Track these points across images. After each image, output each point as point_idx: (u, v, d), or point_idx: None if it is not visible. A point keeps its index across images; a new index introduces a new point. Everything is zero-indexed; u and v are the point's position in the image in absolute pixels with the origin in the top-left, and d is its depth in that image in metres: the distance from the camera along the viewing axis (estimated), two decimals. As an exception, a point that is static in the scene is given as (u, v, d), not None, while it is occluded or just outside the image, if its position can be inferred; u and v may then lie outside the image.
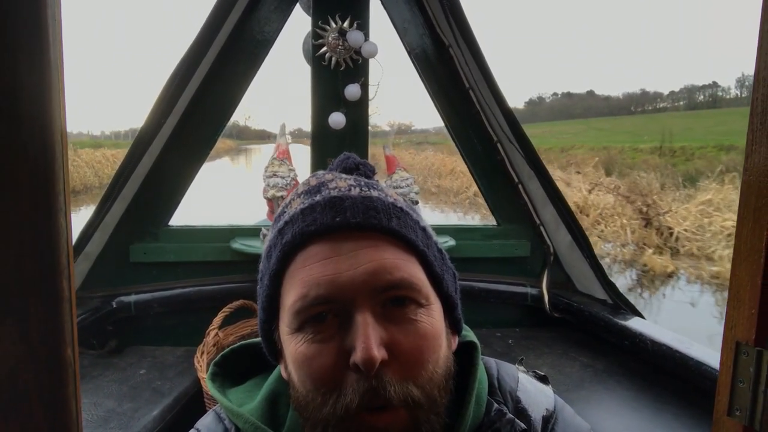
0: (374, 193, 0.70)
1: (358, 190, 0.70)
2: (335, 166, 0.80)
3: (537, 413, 0.79)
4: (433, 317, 0.67)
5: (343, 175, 0.74)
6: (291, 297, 0.66)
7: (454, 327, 0.75)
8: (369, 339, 0.60)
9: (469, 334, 0.81)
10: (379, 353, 0.60)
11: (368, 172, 0.79)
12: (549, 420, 0.80)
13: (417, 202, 2.64)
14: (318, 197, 0.69)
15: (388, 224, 0.67)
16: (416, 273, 0.67)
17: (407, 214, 0.71)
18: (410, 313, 0.65)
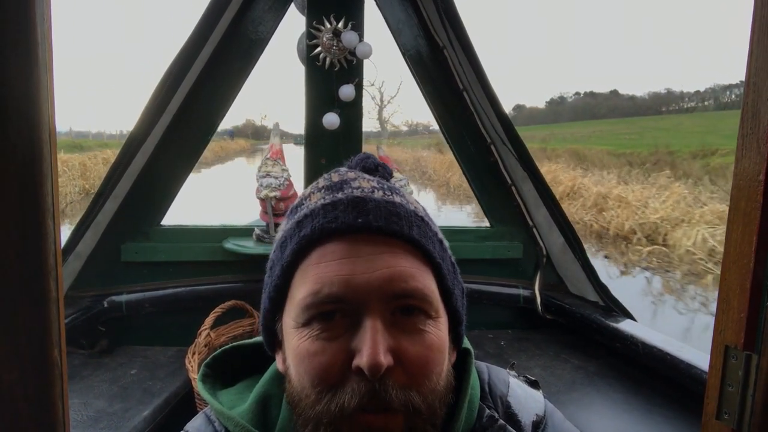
0: (397, 199, 0.69)
1: (381, 193, 0.69)
2: (354, 165, 0.79)
3: (527, 418, 0.79)
4: (440, 330, 0.67)
5: (366, 176, 0.73)
6: (302, 291, 0.65)
7: (455, 341, 0.75)
8: (377, 344, 0.60)
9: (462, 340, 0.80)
10: (385, 359, 0.60)
11: (387, 175, 0.78)
12: (539, 425, 0.80)
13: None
14: (341, 194, 0.68)
15: (409, 232, 0.66)
16: (430, 284, 0.66)
17: (427, 225, 0.70)
18: (419, 323, 0.65)
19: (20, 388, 0.37)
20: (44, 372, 0.38)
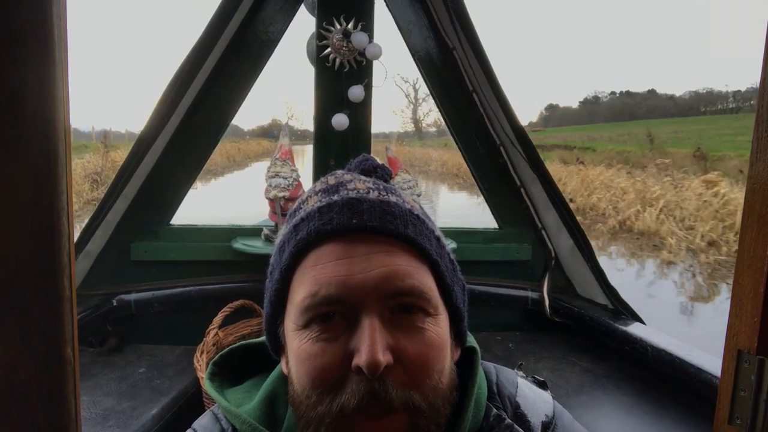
0: (392, 198, 0.70)
1: (376, 193, 0.70)
2: (353, 167, 0.79)
3: (536, 419, 0.79)
4: (440, 327, 0.67)
5: (362, 177, 0.74)
6: (301, 293, 0.66)
7: (458, 339, 0.75)
8: (375, 343, 0.60)
9: (469, 338, 0.80)
10: (384, 357, 0.60)
11: (385, 176, 0.79)
12: (548, 426, 0.80)
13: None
14: (336, 197, 0.69)
15: (404, 231, 0.67)
16: (427, 282, 0.67)
17: (423, 222, 0.71)
18: (418, 321, 0.65)
19: (34, 386, 0.38)
20: (58, 370, 0.38)
